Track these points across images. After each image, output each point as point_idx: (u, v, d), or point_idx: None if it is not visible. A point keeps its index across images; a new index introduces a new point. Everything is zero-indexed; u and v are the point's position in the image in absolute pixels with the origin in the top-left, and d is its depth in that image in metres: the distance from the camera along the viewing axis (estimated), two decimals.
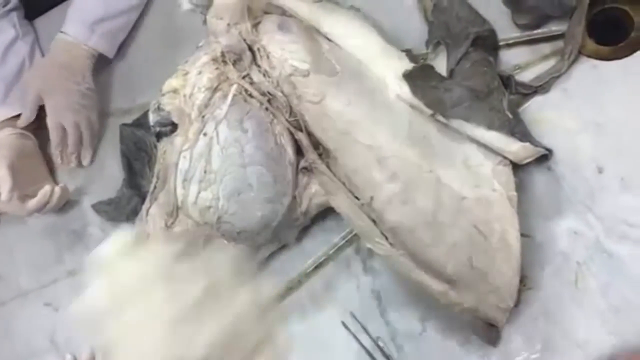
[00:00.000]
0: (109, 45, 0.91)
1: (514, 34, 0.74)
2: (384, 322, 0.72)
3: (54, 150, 0.84)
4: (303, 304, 0.76)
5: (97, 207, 0.89)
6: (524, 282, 0.64)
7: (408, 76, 0.66)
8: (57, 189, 0.84)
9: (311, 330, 0.74)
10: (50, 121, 0.84)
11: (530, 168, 0.67)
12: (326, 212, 0.75)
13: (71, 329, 0.85)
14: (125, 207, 0.85)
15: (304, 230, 0.77)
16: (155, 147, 0.82)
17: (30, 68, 0.90)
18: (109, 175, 0.90)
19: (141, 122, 0.87)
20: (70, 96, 0.85)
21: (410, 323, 0.70)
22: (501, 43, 0.73)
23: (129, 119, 0.88)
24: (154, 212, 0.74)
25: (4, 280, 0.93)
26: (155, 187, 0.75)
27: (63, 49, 0.88)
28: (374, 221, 0.65)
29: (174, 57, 0.82)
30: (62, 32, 0.89)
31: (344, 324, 0.73)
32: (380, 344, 0.71)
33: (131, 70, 0.95)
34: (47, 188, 0.82)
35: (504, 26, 0.74)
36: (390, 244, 0.64)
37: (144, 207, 0.77)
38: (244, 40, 0.70)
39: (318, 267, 0.76)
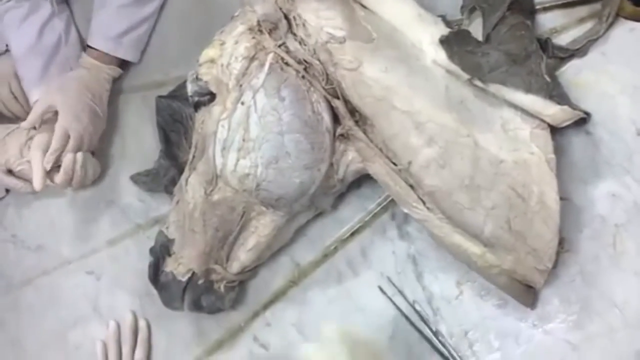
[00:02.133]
0: (136, 52, 0.94)
1: None
2: (420, 286, 0.73)
3: (50, 155, 0.84)
4: (340, 269, 0.77)
5: (135, 178, 0.91)
6: (562, 245, 0.64)
7: (444, 41, 0.66)
8: (79, 155, 0.85)
9: (349, 294, 0.76)
10: (59, 127, 0.84)
11: (569, 131, 0.67)
12: (361, 180, 0.76)
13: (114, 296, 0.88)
14: (162, 178, 0.87)
15: (340, 197, 0.78)
16: (192, 118, 0.83)
17: (53, 81, 0.90)
18: (146, 147, 0.92)
19: (177, 94, 0.88)
20: (84, 111, 0.86)
21: (447, 286, 0.71)
22: (538, 7, 0.73)
23: (163, 92, 0.89)
24: (193, 181, 0.76)
25: (47, 250, 0.95)
26: (194, 157, 0.77)
27: (88, 69, 0.91)
28: (411, 186, 0.66)
29: (208, 28, 0.82)
30: (89, 46, 0.91)
31: (380, 288, 0.74)
32: (417, 307, 0.72)
33: (165, 43, 0.95)
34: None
35: None
36: (428, 208, 0.65)
37: (183, 176, 0.79)
38: (280, 8, 0.71)
39: (354, 233, 0.78)
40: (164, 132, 0.88)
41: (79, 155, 0.85)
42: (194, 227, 0.75)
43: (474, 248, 0.63)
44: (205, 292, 0.78)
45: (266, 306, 0.81)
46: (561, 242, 0.63)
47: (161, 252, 0.78)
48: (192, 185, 0.76)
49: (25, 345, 0.91)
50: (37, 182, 0.82)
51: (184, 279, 0.76)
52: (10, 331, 0.92)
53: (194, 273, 0.76)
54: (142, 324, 0.85)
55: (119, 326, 0.86)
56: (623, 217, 0.65)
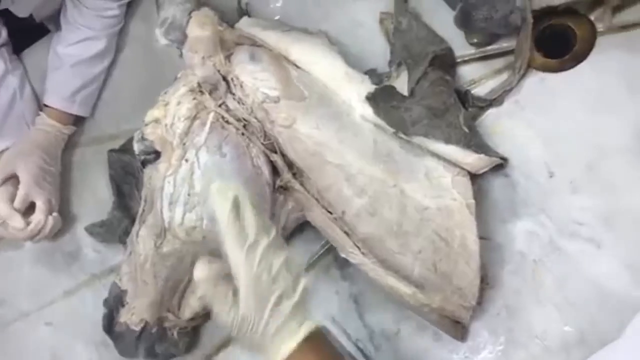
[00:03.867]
0: (88, 108, 0.99)
1: (469, 51, 0.80)
2: (362, 325, 0.77)
3: (9, 219, 0.88)
4: None
5: (90, 229, 0.94)
6: (486, 281, 0.70)
7: (371, 98, 0.72)
8: (50, 219, 0.89)
9: None
10: (20, 193, 0.88)
11: (488, 176, 0.73)
12: (304, 225, 0.80)
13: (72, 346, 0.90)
14: (116, 229, 0.90)
15: (286, 241, 0.82)
16: (142, 170, 0.87)
17: (12, 147, 0.94)
18: (101, 199, 0.95)
19: (127, 148, 0.91)
20: (45, 176, 0.91)
21: (386, 324, 0.76)
22: (458, 60, 0.79)
23: (115, 145, 0.93)
24: (143, 234, 0.80)
25: (6, 303, 0.98)
26: (144, 210, 0.81)
27: (46, 132, 0.95)
28: (347, 233, 0.71)
29: (158, 83, 0.87)
30: (46, 105, 0.96)
31: (325, 328, 0.79)
32: (360, 345, 0.77)
33: (116, 99, 1.00)
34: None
35: (460, 44, 0.80)
36: (363, 253, 0.70)
37: (134, 229, 0.83)
38: (218, 71, 0.76)
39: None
40: (116, 184, 0.92)
41: (51, 218, 0.89)
42: (145, 278, 0.79)
43: (405, 289, 0.68)
44: (159, 340, 0.81)
45: (219, 349, 0.84)
46: (483, 279, 0.68)
47: (115, 303, 0.82)
48: (142, 237, 0.80)
49: None
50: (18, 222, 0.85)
51: (138, 328, 0.79)
52: None
53: (147, 322, 0.80)
54: None
55: None
56: (540, 253, 0.71)
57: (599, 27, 0.74)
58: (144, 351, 0.81)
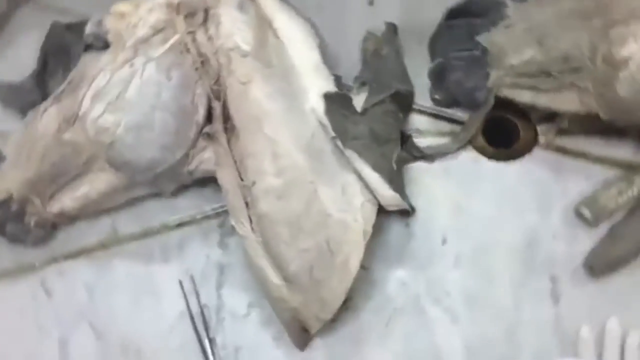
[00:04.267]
0: None
1: (427, 103, 0.83)
2: (216, 295, 0.77)
3: None
4: (152, 251, 0.80)
5: None
6: (347, 305, 0.72)
7: (327, 97, 0.73)
8: None
9: (150, 276, 0.78)
10: None
11: (392, 216, 0.77)
12: (207, 181, 0.80)
13: None
14: (23, 96, 0.86)
15: (182, 188, 0.81)
16: (78, 56, 0.84)
17: None
18: (21, 63, 0.90)
19: (74, 28, 0.87)
20: None
21: (239, 304, 0.76)
22: (415, 106, 0.83)
23: (63, 20, 0.89)
24: (52, 112, 0.76)
25: None
26: (63, 91, 0.77)
27: None
28: (246, 204, 0.71)
29: None
30: None
31: (180, 282, 0.78)
32: (205, 311, 0.76)
33: None
34: None
35: (422, 94, 0.83)
36: (252, 228, 0.71)
37: (44, 104, 0.79)
38: (204, 1, 0.75)
39: (180, 225, 0.81)
40: (44, 56, 0.88)
41: None
42: (31, 155, 0.75)
43: (274, 277, 0.69)
44: (14, 220, 0.77)
45: (67, 257, 0.81)
46: (346, 301, 0.71)
47: None
48: (49, 115, 0.76)
49: None
50: None
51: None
52: None
53: (11, 196, 0.75)
54: None
55: None
56: (403, 304, 0.74)
57: (541, 139, 0.80)
58: None
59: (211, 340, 0.75)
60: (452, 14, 0.80)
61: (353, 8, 0.90)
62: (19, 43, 0.93)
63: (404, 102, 0.81)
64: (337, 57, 0.84)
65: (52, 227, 0.80)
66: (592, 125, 0.76)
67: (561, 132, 0.79)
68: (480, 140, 0.82)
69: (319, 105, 0.73)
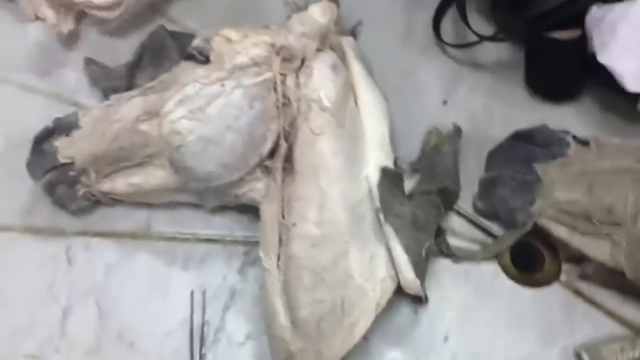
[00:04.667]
0: None
1: (468, 209, 0.88)
2: (220, 315, 0.80)
3: None
4: (175, 255, 0.84)
5: (89, 62, 0.95)
6: None
7: (384, 171, 0.78)
8: None
9: (167, 278, 0.82)
10: None
11: (404, 298, 0.79)
12: (248, 209, 0.84)
13: None
14: (111, 81, 0.92)
15: (222, 208, 0.86)
16: (171, 60, 0.91)
17: None
18: (117, 49, 0.97)
19: (177, 36, 0.95)
20: None
21: (238, 331, 0.79)
22: (455, 207, 0.87)
23: (171, 27, 0.96)
24: (137, 102, 0.82)
25: None
26: (152, 87, 0.83)
27: None
28: (280, 241, 0.75)
29: (243, 13, 0.95)
30: None
31: (192, 293, 0.81)
32: (205, 328, 0.79)
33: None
34: None
35: (466, 199, 0.88)
36: (278, 265, 0.74)
37: (130, 92, 0.84)
38: (304, 52, 0.81)
39: (208, 240, 0.85)
40: (141, 52, 0.95)
41: None
42: (105, 132, 0.81)
43: (282, 317, 0.72)
44: (66, 184, 0.82)
45: (97, 235, 0.85)
46: None
47: (63, 127, 0.82)
48: (133, 103, 0.82)
49: None
50: None
51: (62, 160, 0.80)
52: None
53: (73, 164, 0.80)
54: None
55: None
56: None
57: (563, 276, 0.83)
58: (47, 181, 0.81)
59: (202, 357, 0.77)
60: (517, 137, 0.85)
61: (427, 101, 0.96)
62: (122, 35, 1.00)
63: (448, 200, 0.85)
64: (399, 140, 0.89)
65: (94, 202, 0.85)
66: (615, 279, 0.79)
67: (584, 276, 0.83)
68: (506, 258, 0.85)
69: (374, 176, 0.78)
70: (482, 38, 0.95)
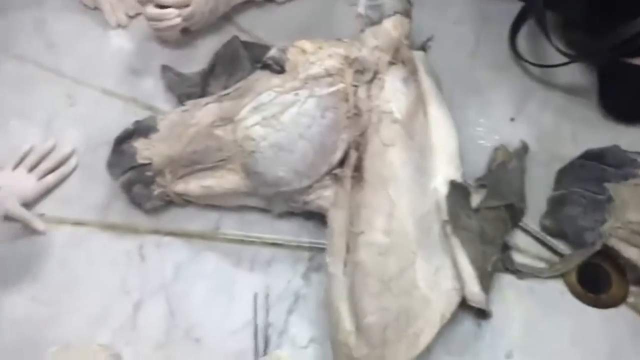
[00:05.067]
0: None
1: (534, 226, 0.87)
2: (284, 318, 0.82)
3: None
4: (242, 258, 0.86)
5: (166, 69, 1.00)
6: None
7: (453, 185, 0.79)
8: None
9: (232, 279, 0.84)
10: None
11: (468, 311, 0.79)
12: (314, 216, 0.86)
13: None
14: (186, 87, 0.96)
15: (289, 214, 0.88)
16: (243, 69, 0.94)
17: None
18: (192, 58, 1.01)
19: (249, 47, 0.98)
20: None
21: (302, 334, 0.80)
22: (521, 224, 0.87)
23: (243, 38, 1.00)
24: (212, 108, 0.85)
25: None
26: (227, 94, 0.86)
27: None
28: (347, 247, 0.77)
29: (317, 27, 0.97)
30: None
31: (255, 295, 0.83)
32: (269, 330, 0.81)
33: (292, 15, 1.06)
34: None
35: (532, 216, 0.87)
36: (344, 271, 0.76)
37: (206, 99, 0.88)
38: (376, 65, 0.83)
39: (275, 244, 0.87)
40: (215, 60, 0.98)
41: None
42: (181, 135, 0.84)
43: (347, 323, 0.73)
44: (143, 184, 0.85)
45: (169, 234, 0.88)
46: None
47: (141, 129, 0.86)
48: (209, 109, 0.85)
49: None
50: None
51: (140, 161, 0.84)
52: None
53: (150, 164, 0.84)
54: (73, 161, 0.92)
55: (54, 148, 0.92)
56: None
57: (630, 298, 0.82)
58: (125, 180, 0.85)
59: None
60: (588, 156, 0.85)
61: (494, 118, 0.96)
62: (197, 44, 1.04)
63: (514, 216, 0.85)
64: (464, 155, 0.90)
65: (168, 202, 0.88)
66: None
67: None
68: (572, 277, 0.84)
69: (442, 189, 0.79)
70: (572, 59, 0.94)
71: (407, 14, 0.87)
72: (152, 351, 0.79)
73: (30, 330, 0.81)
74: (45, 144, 0.92)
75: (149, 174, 0.84)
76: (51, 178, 0.90)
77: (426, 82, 0.85)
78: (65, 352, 0.78)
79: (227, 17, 1.06)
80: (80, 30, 1.05)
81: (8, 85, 1.00)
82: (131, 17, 1.06)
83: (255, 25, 1.06)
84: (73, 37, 1.04)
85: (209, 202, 0.87)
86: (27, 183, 0.88)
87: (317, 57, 0.83)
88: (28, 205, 0.87)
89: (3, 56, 1.02)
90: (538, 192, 0.88)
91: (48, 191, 0.90)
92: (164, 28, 0.97)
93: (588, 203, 0.81)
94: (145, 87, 1.00)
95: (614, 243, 0.80)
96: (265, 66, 0.85)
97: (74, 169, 0.92)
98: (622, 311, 0.82)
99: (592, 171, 0.83)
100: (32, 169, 0.90)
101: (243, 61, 0.97)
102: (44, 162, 0.91)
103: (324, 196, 0.82)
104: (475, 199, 0.84)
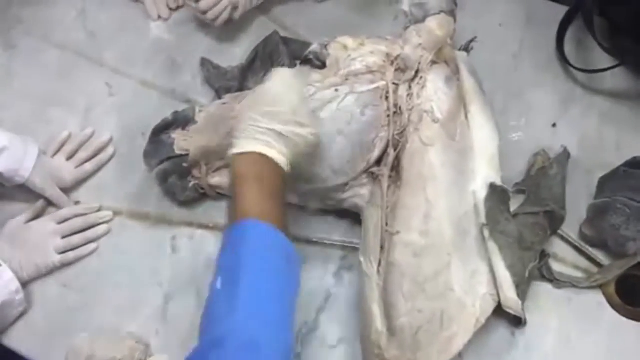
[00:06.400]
0: None
1: (573, 234, 0.85)
2: (315, 316, 0.81)
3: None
4: None
5: (205, 62, 1.00)
6: None
7: (492, 188, 0.77)
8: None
9: None
10: None
11: (502, 318, 0.78)
12: (348, 215, 0.85)
13: None
14: (224, 81, 0.96)
15: (324, 212, 0.87)
16: (282, 65, 0.93)
17: None
18: (231, 53, 1.01)
19: (290, 43, 0.98)
20: None
21: (332, 333, 0.80)
22: (560, 231, 0.85)
23: (283, 34, 0.99)
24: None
25: None
26: None
27: None
28: (382, 247, 0.75)
29: (358, 24, 0.97)
30: None
31: None
32: (303, 330, 0.80)
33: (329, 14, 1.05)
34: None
35: (571, 224, 0.85)
36: (378, 271, 0.75)
37: (244, 92, 0.88)
38: (419, 63, 0.82)
39: (307, 242, 0.86)
40: (255, 55, 0.98)
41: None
42: (218, 128, 0.84)
43: (379, 323, 0.72)
44: (178, 175, 0.85)
45: (201, 226, 0.88)
46: None
47: (180, 120, 0.86)
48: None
49: None
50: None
51: (177, 152, 0.84)
52: None
53: (187, 156, 0.84)
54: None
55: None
56: None
57: None
58: (161, 171, 0.85)
59: (296, 355, 0.78)
60: (634, 164, 0.82)
61: (536, 121, 0.94)
62: (237, 39, 1.04)
63: (553, 223, 0.83)
64: (503, 159, 0.88)
65: (201, 195, 0.88)
66: None
67: None
68: (611, 289, 0.82)
69: (482, 191, 0.77)
70: (621, 61, 0.92)
71: (451, 13, 0.86)
72: (181, 342, 0.79)
73: (62, 316, 0.82)
74: (83, 132, 0.93)
75: (185, 165, 0.84)
76: (89, 166, 0.90)
77: (468, 83, 0.84)
78: (95, 339, 0.78)
79: (267, 13, 1.05)
80: (121, 21, 1.06)
81: (49, 73, 1.01)
82: (172, 10, 1.06)
83: (295, 21, 1.05)
84: (114, 28, 1.05)
85: None
86: (65, 170, 0.88)
87: (358, 54, 0.82)
88: (65, 191, 0.88)
89: (45, 45, 1.03)
90: (578, 199, 0.86)
91: (85, 179, 0.91)
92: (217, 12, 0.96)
93: (632, 213, 0.78)
94: (183, 80, 1.00)
95: None
96: (306, 61, 0.85)
97: (110, 158, 0.92)
98: None
99: (637, 180, 0.80)
100: (70, 156, 0.90)
101: (282, 57, 0.97)
102: (82, 150, 0.91)
103: (360, 194, 0.81)
104: (514, 204, 0.82)
